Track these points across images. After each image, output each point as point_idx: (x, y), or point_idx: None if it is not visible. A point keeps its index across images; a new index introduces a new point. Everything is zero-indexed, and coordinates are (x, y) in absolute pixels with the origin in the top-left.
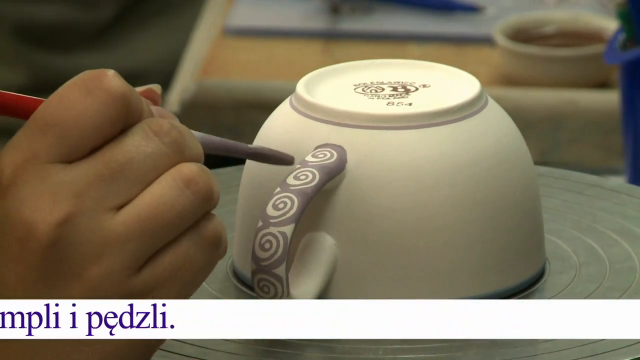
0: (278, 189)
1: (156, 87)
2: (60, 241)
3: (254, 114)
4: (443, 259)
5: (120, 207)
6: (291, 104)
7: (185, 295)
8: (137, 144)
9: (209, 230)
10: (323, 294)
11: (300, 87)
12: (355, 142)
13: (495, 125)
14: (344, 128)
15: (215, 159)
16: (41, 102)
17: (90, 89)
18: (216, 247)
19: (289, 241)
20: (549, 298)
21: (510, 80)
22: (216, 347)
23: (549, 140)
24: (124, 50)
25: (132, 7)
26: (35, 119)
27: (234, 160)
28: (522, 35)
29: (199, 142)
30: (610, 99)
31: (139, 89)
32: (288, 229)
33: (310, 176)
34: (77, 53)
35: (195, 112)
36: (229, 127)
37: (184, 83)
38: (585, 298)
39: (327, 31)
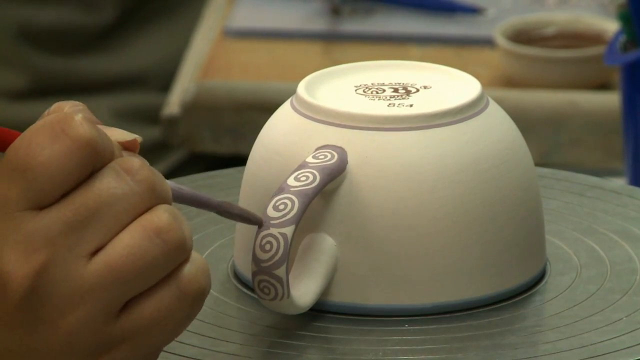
0: (278, 190)
1: (139, 139)
2: (36, 291)
3: (254, 116)
4: (443, 260)
5: (94, 253)
6: (292, 105)
7: (166, 343)
8: (106, 187)
9: (189, 283)
10: (323, 295)
11: (301, 88)
12: (356, 143)
13: (496, 127)
14: (345, 129)
15: (218, 160)
16: (17, 135)
17: (57, 134)
18: (198, 300)
19: (289, 242)
20: (550, 299)
21: (510, 82)
22: (216, 347)
23: (549, 141)
24: (125, 52)
25: (133, 9)
26: (4, 164)
27: (235, 161)
28: (522, 36)
29: (168, 184)
30: (610, 100)
31: (122, 136)
32: (288, 230)
33: (311, 177)
34: (79, 56)
35: (195, 114)
36: (229, 128)
37: (185, 85)
38: (586, 299)
39: (327, 32)
